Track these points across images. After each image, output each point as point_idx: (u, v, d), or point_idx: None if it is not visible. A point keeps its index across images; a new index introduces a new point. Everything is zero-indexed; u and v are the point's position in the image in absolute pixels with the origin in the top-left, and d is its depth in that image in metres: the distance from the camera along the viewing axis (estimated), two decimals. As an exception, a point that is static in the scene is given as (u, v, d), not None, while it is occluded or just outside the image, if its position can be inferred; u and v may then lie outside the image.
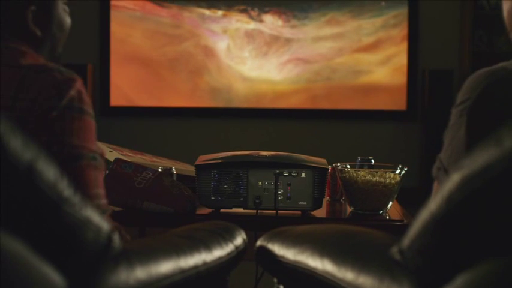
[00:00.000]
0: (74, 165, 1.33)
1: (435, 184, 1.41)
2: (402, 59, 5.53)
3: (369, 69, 5.57)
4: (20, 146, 1.01)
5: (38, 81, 1.36)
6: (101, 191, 1.40)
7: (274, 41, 5.60)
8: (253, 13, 5.59)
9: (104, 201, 1.41)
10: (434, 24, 5.50)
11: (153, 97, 5.61)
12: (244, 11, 5.59)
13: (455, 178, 0.96)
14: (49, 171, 1.05)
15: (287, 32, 5.60)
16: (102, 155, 1.43)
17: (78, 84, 1.39)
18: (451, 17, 5.42)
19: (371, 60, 5.57)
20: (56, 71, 1.39)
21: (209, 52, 5.61)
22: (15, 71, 1.38)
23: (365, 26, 5.60)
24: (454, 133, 1.36)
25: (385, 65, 5.55)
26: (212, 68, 5.62)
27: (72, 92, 1.36)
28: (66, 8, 1.57)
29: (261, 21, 5.60)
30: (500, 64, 1.35)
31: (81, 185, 1.32)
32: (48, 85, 1.35)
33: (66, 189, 1.08)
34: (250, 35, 5.60)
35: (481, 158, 0.93)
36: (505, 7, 1.49)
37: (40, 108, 1.33)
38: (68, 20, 1.57)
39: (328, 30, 5.61)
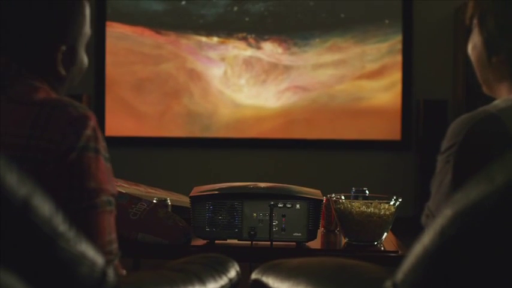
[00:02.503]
0: (90, 213, 1.33)
1: (425, 231, 1.42)
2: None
3: (369, 96, 5.50)
4: (15, 182, 1.01)
5: (53, 118, 1.34)
6: (113, 235, 1.39)
7: (273, 69, 5.57)
8: (252, 41, 5.57)
9: (115, 245, 1.41)
10: (428, 54, 5.53)
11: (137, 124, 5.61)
12: (243, 38, 5.58)
13: (447, 213, 0.97)
14: (44, 206, 1.06)
15: (286, 59, 5.56)
16: (115, 194, 1.43)
17: (93, 121, 1.38)
18: (445, 47, 5.45)
19: (374, 87, 5.51)
20: (71, 106, 1.37)
21: (195, 75, 5.58)
22: (29, 108, 1.36)
23: (369, 52, 5.54)
24: (441, 180, 1.37)
25: (387, 92, 5.51)
26: (196, 91, 5.59)
27: (88, 131, 1.36)
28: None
29: (260, 48, 5.57)
30: (481, 108, 1.37)
31: (96, 233, 1.32)
32: (64, 122, 1.34)
33: (61, 224, 1.09)
34: (248, 63, 5.57)
35: (473, 193, 0.94)
36: (471, 43, 1.52)
37: (58, 149, 1.32)
38: (86, 60, 1.57)
39: (329, 57, 5.56)
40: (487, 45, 1.46)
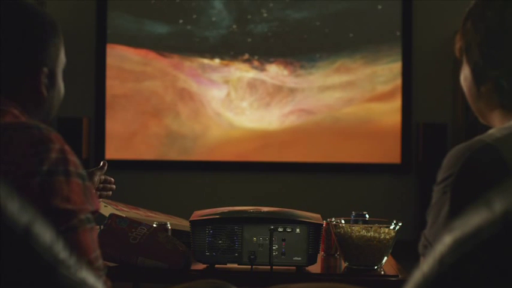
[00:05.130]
0: (71, 235, 1.31)
1: (422, 261, 1.43)
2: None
3: (374, 119, 5.45)
4: (16, 209, 1.02)
5: (14, 140, 1.32)
6: (98, 251, 1.39)
7: (278, 91, 5.47)
8: (257, 63, 5.48)
9: (101, 260, 1.40)
10: (428, 78, 5.55)
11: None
12: (247, 60, 5.50)
13: (446, 240, 0.98)
14: (45, 234, 1.06)
15: (291, 82, 5.46)
16: (96, 211, 1.42)
17: (58, 143, 1.34)
18: (445, 70, 5.47)
19: (383, 110, 5.44)
20: (35, 128, 1.34)
21: (186, 95, 5.51)
22: None
23: (381, 73, 5.44)
24: (438, 210, 1.37)
25: (389, 115, 5.47)
26: (184, 111, 5.52)
27: (53, 154, 1.32)
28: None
29: (264, 70, 5.48)
30: (477, 137, 1.38)
31: (81, 252, 1.31)
32: (24, 144, 1.31)
33: (61, 251, 1.09)
34: (252, 85, 5.49)
35: (473, 221, 0.95)
36: (462, 74, 1.54)
37: (18, 171, 1.29)
38: (63, 86, 1.57)
39: (336, 79, 5.44)
40: (474, 75, 1.48)
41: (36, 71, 1.47)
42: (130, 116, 5.54)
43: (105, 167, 2.26)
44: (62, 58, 1.55)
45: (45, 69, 1.48)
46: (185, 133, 5.52)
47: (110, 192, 2.30)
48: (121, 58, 5.54)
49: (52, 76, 1.51)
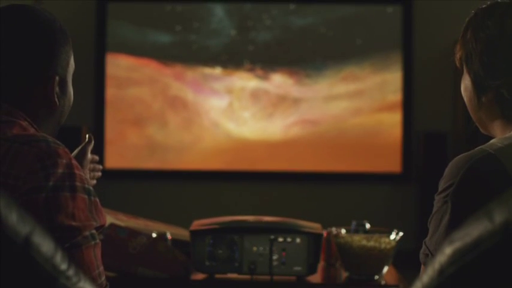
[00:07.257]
0: (75, 252, 1.30)
1: (422, 268, 1.42)
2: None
3: (380, 130, 5.42)
4: (16, 220, 1.01)
5: (21, 154, 1.30)
6: (101, 268, 1.38)
7: (281, 101, 5.38)
8: (260, 72, 5.38)
9: (104, 276, 1.39)
10: (428, 88, 5.55)
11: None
12: (251, 69, 5.41)
13: (446, 251, 0.97)
14: (45, 244, 1.06)
15: (295, 91, 5.35)
16: (102, 225, 1.40)
17: (65, 158, 1.33)
18: (445, 81, 5.47)
19: (385, 120, 5.37)
20: (42, 141, 1.33)
21: (179, 103, 5.45)
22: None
23: (391, 81, 5.36)
24: (439, 219, 1.37)
25: (396, 125, 5.42)
26: (175, 121, 5.47)
27: (60, 170, 1.30)
28: None
29: (268, 79, 5.38)
30: (479, 147, 1.38)
31: (84, 269, 1.30)
32: (31, 159, 1.29)
33: (62, 262, 1.09)
34: (255, 95, 5.41)
35: (473, 232, 0.95)
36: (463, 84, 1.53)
37: (24, 186, 1.28)
38: (72, 93, 1.55)
39: (343, 88, 5.31)
40: (475, 85, 1.48)
41: (48, 80, 1.46)
42: (127, 124, 5.54)
43: (93, 141, 2.09)
44: (72, 64, 1.54)
45: (57, 78, 1.47)
46: (179, 141, 5.50)
47: (100, 173, 2.16)
48: (121, 67, 5.54)
49: (63, 84, 1.50)
